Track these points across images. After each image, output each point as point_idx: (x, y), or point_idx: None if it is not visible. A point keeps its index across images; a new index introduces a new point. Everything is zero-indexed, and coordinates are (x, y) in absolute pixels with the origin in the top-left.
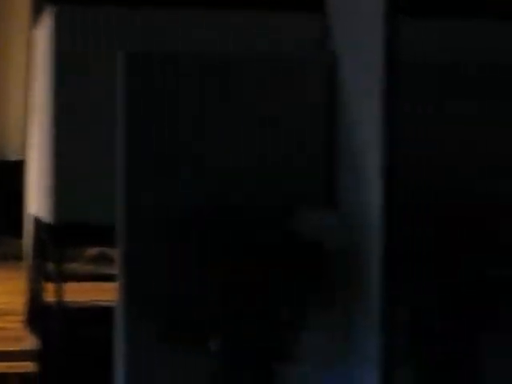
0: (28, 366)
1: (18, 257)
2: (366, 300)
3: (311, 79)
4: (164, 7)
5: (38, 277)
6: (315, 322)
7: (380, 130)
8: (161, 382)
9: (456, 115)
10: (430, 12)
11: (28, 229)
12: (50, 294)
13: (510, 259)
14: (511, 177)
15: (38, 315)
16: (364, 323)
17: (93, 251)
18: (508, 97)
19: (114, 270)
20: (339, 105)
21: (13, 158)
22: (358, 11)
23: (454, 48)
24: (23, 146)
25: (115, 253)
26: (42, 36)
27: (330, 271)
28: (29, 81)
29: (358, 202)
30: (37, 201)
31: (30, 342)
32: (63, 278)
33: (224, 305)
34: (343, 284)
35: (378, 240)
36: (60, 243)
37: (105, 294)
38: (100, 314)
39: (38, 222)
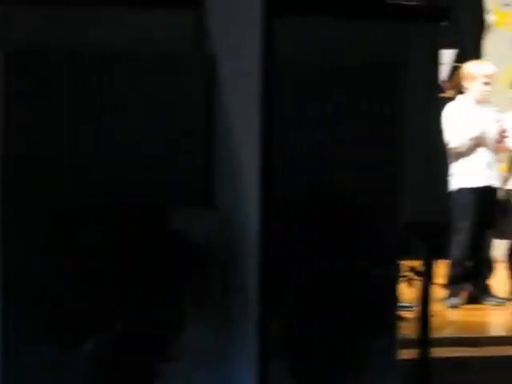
0: None
1: None
2: (245, 300)
3: (191, 79)
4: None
5: None
6: (196, 321)
7: (257, 132)
8: (39, 381)
9: (330, 116)
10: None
11: None
12: None
13: (389, 259)
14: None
15: None
16: (243, 323)
17: None
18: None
19: None
20: (218, 105)
21: None
22: (236, 12)
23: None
24: None
25: None
26: None
27: (210, 271)
28: None
29: (236, 203)
30: None
31: None
32: None
33: (102, 304)
34: (223, 284)
35: (256, 241)
36: None
37: None
38: None
39: None
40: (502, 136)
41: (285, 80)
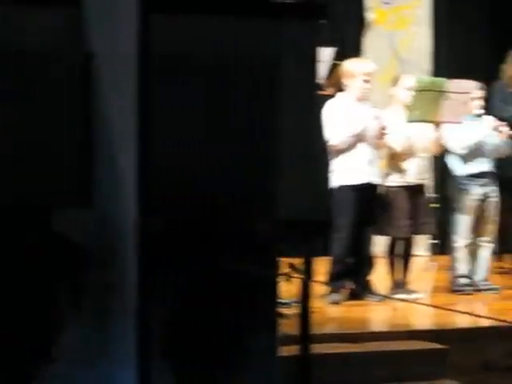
0: None
1: None
2: (124, 298)
3: (67, 78)
4: None
5: None
6: (76, 320)
7: (134, 130)
8: None
9: (206, 113)
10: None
11: None
12: None
13: (268, 257)
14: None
15: None
16: (122, 321)
17: None
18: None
19: None
20: (95, 104)
21: None
22: (112, 9)
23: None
24: None
25: None
26: None
27: (87, 271)
28: None
29: (114, 203)
30: None
31: None
32: None
33: None
34: (103, 283)
35: (135, 240)
36: None
37: None
38: None
39: None
40: (381, 133)
41: (162, 78)
